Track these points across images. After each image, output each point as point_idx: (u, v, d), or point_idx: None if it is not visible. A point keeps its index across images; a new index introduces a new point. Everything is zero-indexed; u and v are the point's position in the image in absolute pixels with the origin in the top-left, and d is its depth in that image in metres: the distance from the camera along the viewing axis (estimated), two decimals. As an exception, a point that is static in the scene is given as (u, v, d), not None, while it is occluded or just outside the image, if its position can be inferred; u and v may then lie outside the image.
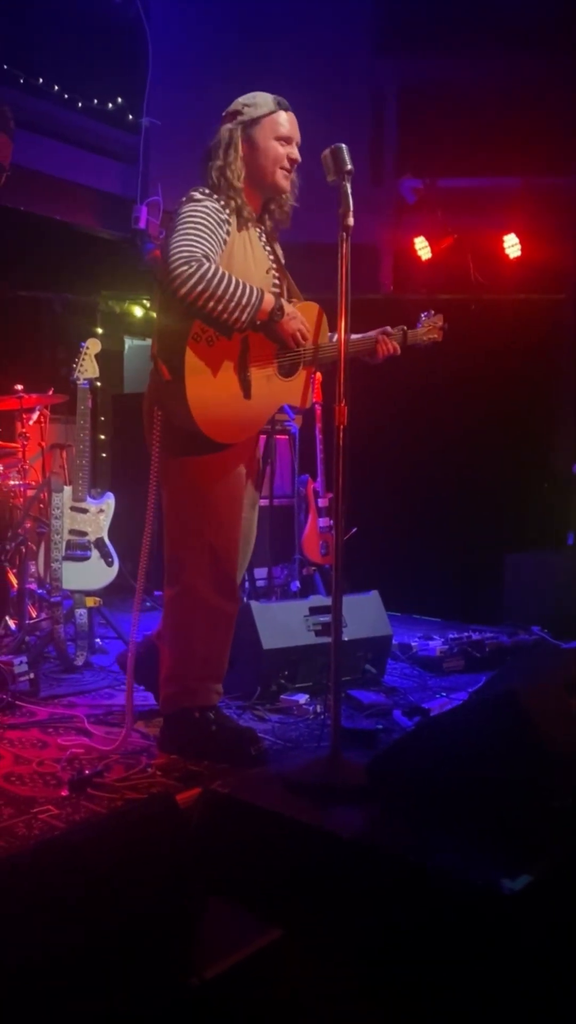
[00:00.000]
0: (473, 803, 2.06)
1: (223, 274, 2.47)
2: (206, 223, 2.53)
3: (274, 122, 2.65)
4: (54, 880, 1.64)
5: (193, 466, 2.66)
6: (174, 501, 2.72)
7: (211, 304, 2.45)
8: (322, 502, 4.81)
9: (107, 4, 5.43)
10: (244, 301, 2.48)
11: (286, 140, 2.67)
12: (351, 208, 2.41)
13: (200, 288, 2.43)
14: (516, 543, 4.98)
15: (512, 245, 5.50)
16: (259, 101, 2.67)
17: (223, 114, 2.71)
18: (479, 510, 5.33)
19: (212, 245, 2.52)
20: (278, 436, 4.95)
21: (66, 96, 5.15)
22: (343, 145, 2.44)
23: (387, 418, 5.19)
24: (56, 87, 5.09)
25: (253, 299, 2.50)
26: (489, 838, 1.99)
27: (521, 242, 5.48)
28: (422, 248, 5.72)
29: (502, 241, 5.52)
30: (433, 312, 3.11)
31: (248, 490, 2.82)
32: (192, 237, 2.49)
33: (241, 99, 2.69)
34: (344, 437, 2.40)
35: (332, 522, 4.62)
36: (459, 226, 5.63)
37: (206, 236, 2.51)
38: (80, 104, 5.24)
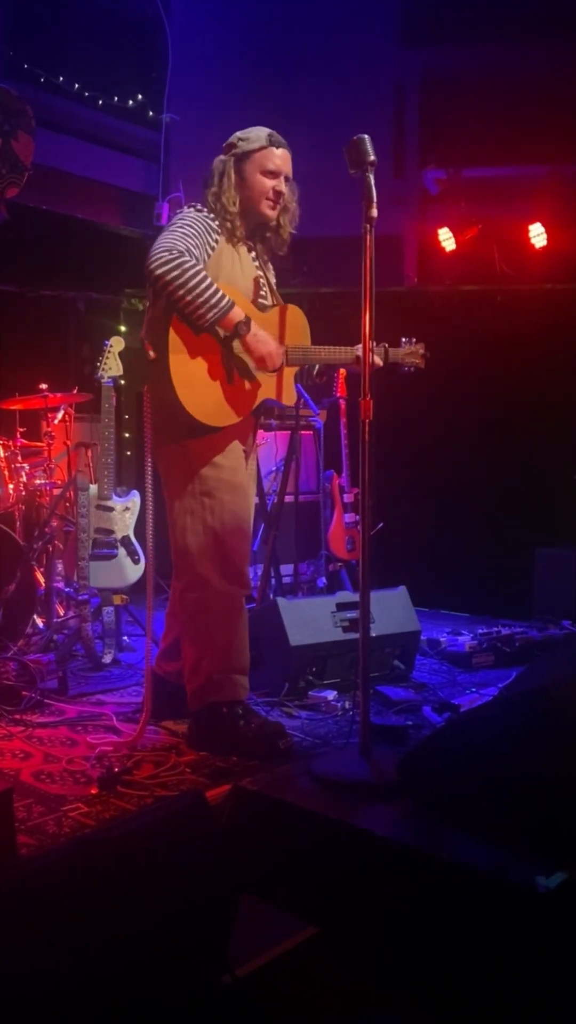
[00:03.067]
0: (506, 800, 2.04)
1: (200, 270, 2.58)
2: (194, 227, 2.67)
3: (263, 157, 2.78)
4: (85, 879, 1.64)
5: (191, 451, 2.73)
6: (175, 490, 2.76)
7: (180, 292, 2.54)
8: (348, 497, 4.79)
9: (126, 1, 5.43)
10: (213, 301, 2.58)
11: (272, 174, 2.79)
12: (374, 200, 2.40)
13: (175, 274, 2.53)
14: (545, 536, 4.92)
15: (538, 234, 5.42)
16: (252, 136, 2.81)
17: (223, 145, 2.85)
18: (507, 503, 5.27)
19: (197, 246, 2.64)
20: (303, 432, 4.93)
21: (87, 94, 5.16)
22: (365, 136, 2.43)
23: (412, 412, 5.15)
24: (76, 85, 5.10)
25: (223, 303, 2.60)
26: (523, 835, 1.97)
27: (547, 231, 5.40)
28: (446, 239, 5.66)
29: (527, 230, 5.44)
30: (415, 340, 3.17)
31: (248, 476, 2.88)
32: (179, 234, 2.63)
33: (238, 132, 2.84)
34: (370, 431, 2.39)
35: (358, 517, 4.60)
36: (483, 216, 5.56)
37: (191, 237, 2.64)
38: (101, 102, 5.24)
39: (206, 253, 2.69)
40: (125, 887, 1.68)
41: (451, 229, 5.64)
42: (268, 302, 2.86)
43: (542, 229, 5.42)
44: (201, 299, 2.56)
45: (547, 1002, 1.75)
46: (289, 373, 2.89)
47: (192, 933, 1.76)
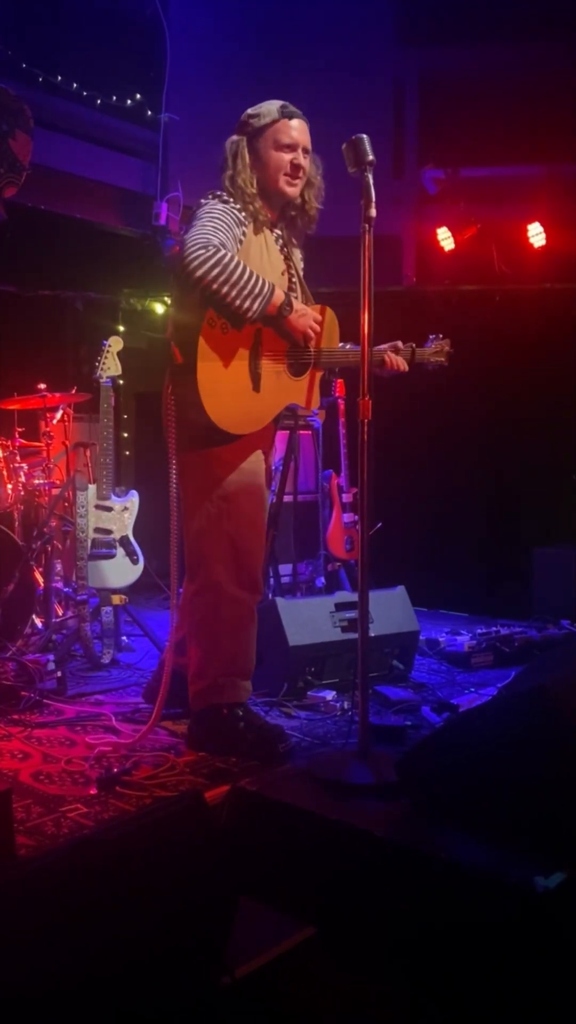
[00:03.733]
0: (505, 800, 2.04)
1: (239, 262, 2.51)
2: (224, 219, 2.58)
3: (277, 131, 2.68)
4: (84, 879, 1.64)
5: (212, 457, 2.68)
6: (192, 494, 2.73)
7: (224, 289, 2.48)
8: (346, 497, 4.79)
9: (125, 0, 5.42)
10: (256, 290, 2.51)
11: (289, 148, 2.70)
12: (373, 199, 2.39)
13: (216, 272, 2.46)
14: (544, 536, 4.93)
15: (536, 234, 5.42)
16: (263, 111, 2.71)
17: (235, 124, 2.75)
18: (506, 503, 5.27)
19: (228, 238, 2.57)
20: (301, 431, 4.93)
21: (85, 93, 5.15)
22: (364, 136, 2.43)
23: (411, 412, 5.14)
24: (75, 85, 5.08)
25: (265, 289, 2.53)
26: (522, 835, 1.97)
27: (546, 231, 5.40)
28: (445, 239, 5.66)
29: (526, 230, 5.44)
30: (441, 336, 3.11)
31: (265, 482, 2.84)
32: (210, 228, 2.54)
33: (249, 109, 2.74)
34: (368, 431, 2.38)
35: (357, 517, 4.60)
36: (482, 216, 5.56)
37: (223, 230, 2.56)
38: (99, 101, 5.23)
39: (236, 246, 2.61)
40: (124, 888, 1.68)
41: (450, 229, 5.64)
42: (296, 294, 2.80)
43: (541, 229, 5.42)
44: (246, 290, 2.49)
45: (546, 1002, 1.75)
46: (317, 377, 2.84)
47: (191, 934, 1.76)
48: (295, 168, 2.70)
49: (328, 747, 2.76)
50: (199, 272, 2.45)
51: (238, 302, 2.50)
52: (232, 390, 2.60)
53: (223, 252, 2.49)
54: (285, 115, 2.69)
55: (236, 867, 2.08)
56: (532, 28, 5.28)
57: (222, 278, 2.46)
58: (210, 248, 2.47)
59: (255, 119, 2.70)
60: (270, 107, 2.70)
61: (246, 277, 2.50)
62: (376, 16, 5.61)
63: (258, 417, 2.70)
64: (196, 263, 2.45)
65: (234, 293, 2.48)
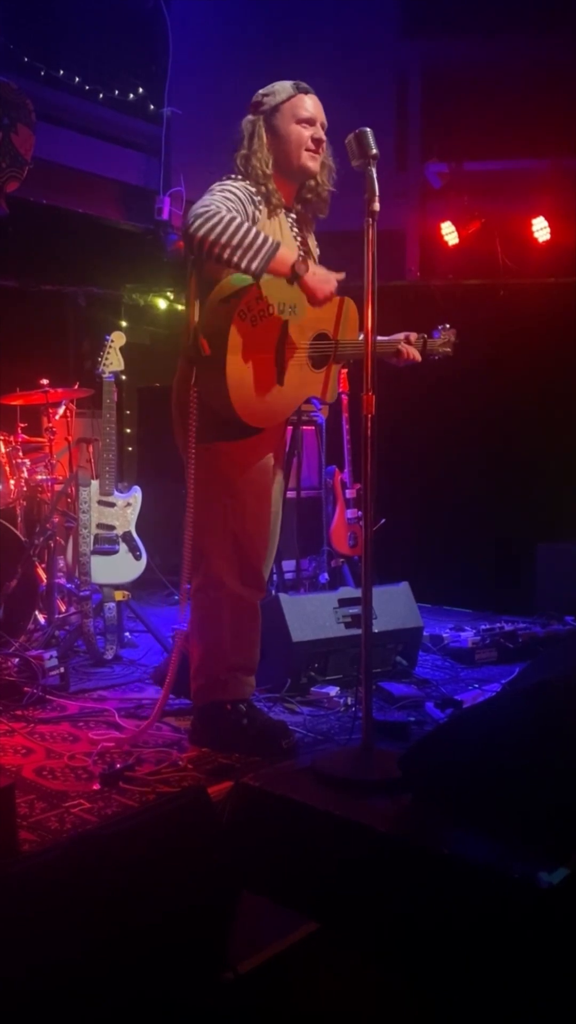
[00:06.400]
0: (508, 795, 2.03)
1: (241, 221, 2.42)
2: (236, 195, 2.53)
3: (294, 106, 2.64)
4: (87, 874, 1.64)
5: (221, 454, 2.64)
6: (200, 489, 2.70)
7: (223, 240, 2.37)
8: (350, 493, 4.78)
9: (126, -6, 5.41)
10: (258, 245, 2.40)
11: (308, 122, 2.65)
12: (377, 193, 2.37)
13: (216, 229, 2.37)
14: (548, 532, 4.91)
15: (541, 228, 5.41)
16: (277, 89, 2.67)
17: (248, 105, 2.70)
18: (510, 499, 5.26)
19: (238, 210, 2.50)
20: (304, 427, 4.91)
21: (87, 87, 5.14)
22: (368, 129, 2.40)
23: (415, 407, 5.14)
24: (77, 79, 5.08)
25: (267, 245, 2.42)
26: (525, 831, 1.96)
27: (550, 225, 5.39)
28: (449, 233, 5.65)
29: (530, 224, 5.43)
30: (448, 326, 3.11)
31: (276, 480, 2.80)
32: (219, 198, 2.48)
33: (261, 90, 2.69)
34: (372, 427, 2.37)
35: (360, 513, 4.59)
36: (486, 210, 5.55)
37: (233, 201, 2.50)
38: (101, 95, 5.22)
39: (244, 218, 2.52)
40: (127, 883, 1.68)
41: (453, 223, 5.62)
42: None
43: (545, 223, 5.40)
44: (244, 245, 2.38)
45: (549, 999, 1.74)
46: (335, 369, 2.81)
47: (194, 929, 1.76)
48: (317, 142, 2.64)
49: (332, 743, 2.76)
50: (200, 232, 2.38)
51: (236, 258, 2.40)
52: (258, 383, 2.55)
53: (222, 211, 2.40)
54: (300, 91, 2.65)
55: (239, 863, 2.08)
56: (537, 21, 5.26)
57: (222, 235, 2.37)
58: (211, 208, 2.42)
59: (269, 97, 2.65)
60: (283, 84, 2.66)
61: (244, 232, 2.39)
62: (380, 8, 5.59)
63: (282, 409, 2.67)
64: (196, 224, 2.39)
65: (232, 247, 2.38)
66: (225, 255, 2.40)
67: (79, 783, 2.45)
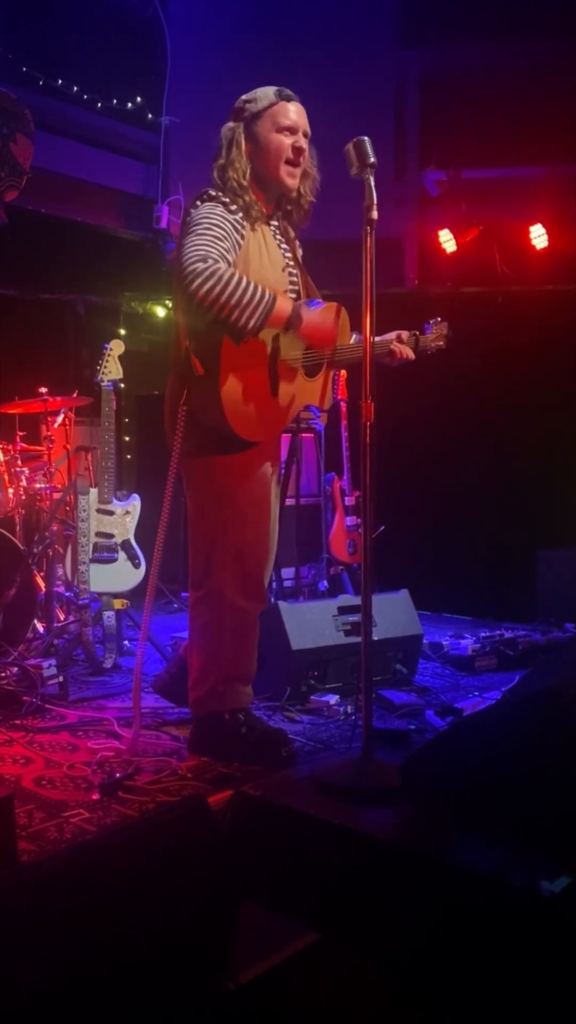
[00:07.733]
0: (509, 803, 2.02)
1: (239, 277, 2.41)
2: (221, 226, 2.48)
3: (275, 114, 2.58)
4: (87, 884, 1.63)
5: (218, 466, 2.63)
6: (198, 502, 2.69)
7: (221, 301, 2.37)
8: (349, 500, 4.78)
9: (124, 3, 5.42)
10: (256, 303, 2.40)
11: (290, 130, 2.59)
12: (375, 202, 2.37)
13: (216, 291, 2.36)
14: (548, 539, 4.91)
15: (539, 235, 5.42)
16: (259, 95, 2.61)
17: (230, 112, 2.66)
18: (509, 506, 5.26)
19: (228, 249, 2.47)
20: (303, 434, 4.92)
21: (85, 97, 5.15)
22: (366, 138, 2.40)
23: (414, 414, 5.14)
24: (75, 88, 5.09)
25: (266, 300, 2.42)
26: (526, 839, 1.95)
27: (548, 232, 5.39)
28: (447, 241, 5.66)
29: (528, 232, 5.44)
30: (439, 319, 3.10)
31: (272, 490, 2.80)
32: (207, 238, 2.44)
33: (244, 96, 2.64)
34: (371, 434, 2.37)
35: (359, 520, 4.59)
36: (484, 218, 5.55)
37: (221, 238, 2.46)
38: (99, 104, 5.23)
39: (235, 252, 2.50)
40: (127, 893, 1.67)
41: (451, 231, 5.63)
42: (298, 287, 2.72)
43: (543, 230, 5.41)
44: (244, 299, 2.37)
45: (552, 1007, 1.73)
46: (331, 375, 2.81)
47: (194, 939, 1.75)
48: (297, 152, 2.59)
49: (331, 751, 2.75)
50: (201, 291, 2.35)
51: (234, 316, 2.40)
52: (253, 398, 2.54)
53: (219, 266, 2.39)
54: (283, 98, 2.59)
55: (239, 872, 2.07)
56: (534, 28, 5.28)
57: (221, 295, 2.36)
58: (209, 260, 2.39)
59: (251, 104, 2.59)
60: (266, 91, 2.60)
61: (243, 289, 2.38)
62: (377, 17, 5.61)
63: (278, 421, 2.66)
64: (196, 282, 2.35)
65: (231, 306, 2.37)
66: (223, 314, 2.40)
67: (78, 792, 2.45)
